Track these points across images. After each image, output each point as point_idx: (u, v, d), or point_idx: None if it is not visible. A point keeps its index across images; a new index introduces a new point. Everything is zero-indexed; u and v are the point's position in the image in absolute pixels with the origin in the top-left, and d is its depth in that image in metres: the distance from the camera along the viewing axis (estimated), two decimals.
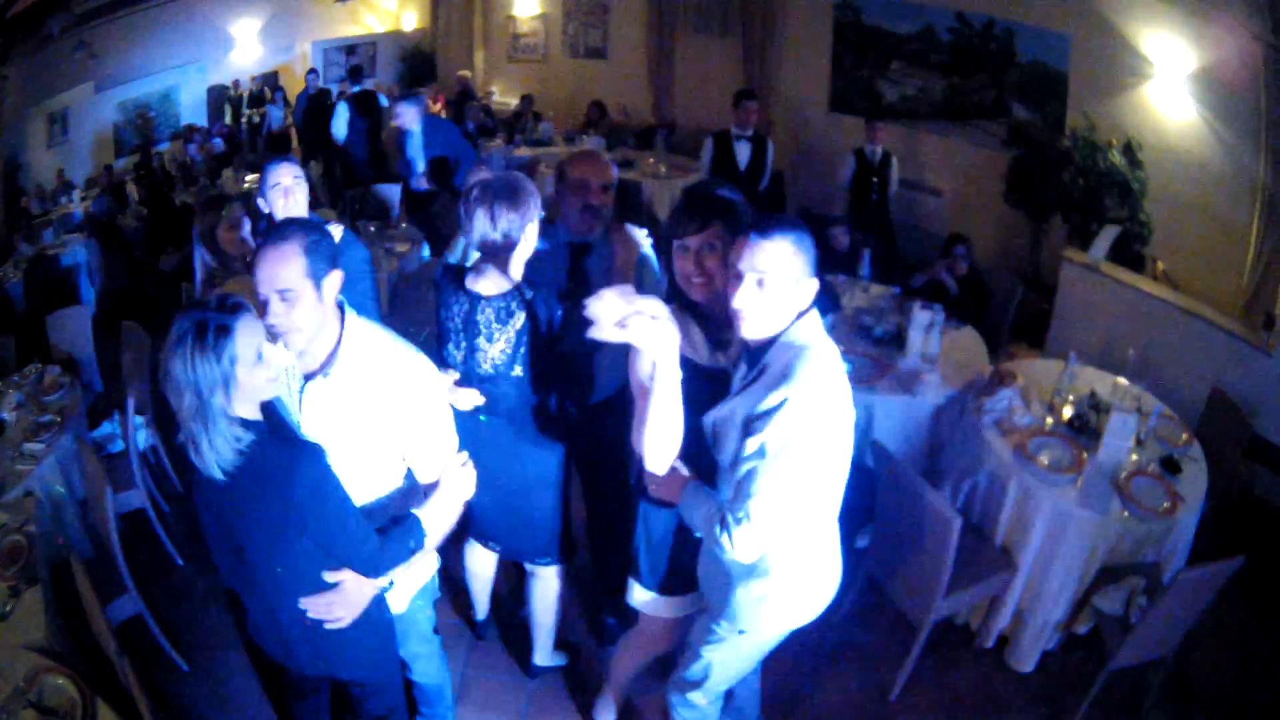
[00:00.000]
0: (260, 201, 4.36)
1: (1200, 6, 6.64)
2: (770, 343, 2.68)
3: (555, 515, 3.90)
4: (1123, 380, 5.00)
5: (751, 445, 2.60)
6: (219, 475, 2.45)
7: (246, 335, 2.43)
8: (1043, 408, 4.88)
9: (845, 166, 8.84)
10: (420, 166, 8.39)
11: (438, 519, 2.91)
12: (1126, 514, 4.12)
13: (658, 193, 10.54)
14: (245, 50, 16.20)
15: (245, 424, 2.48)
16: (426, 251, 8.05)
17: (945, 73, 9.58)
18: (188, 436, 2.44)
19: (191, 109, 15.99)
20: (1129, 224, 7.27)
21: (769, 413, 2.56)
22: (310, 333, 2.71)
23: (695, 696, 3.45)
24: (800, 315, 2.68)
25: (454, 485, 2.97)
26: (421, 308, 6.21)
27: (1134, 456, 4.43)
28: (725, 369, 2.93)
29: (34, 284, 10.58)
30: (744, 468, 2.63)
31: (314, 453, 2.54)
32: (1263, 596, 4.89)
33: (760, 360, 2.69)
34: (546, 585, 4.11)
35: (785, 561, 2.91)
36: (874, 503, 4.48)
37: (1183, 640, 4.11)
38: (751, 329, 2.65)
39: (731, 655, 3.24)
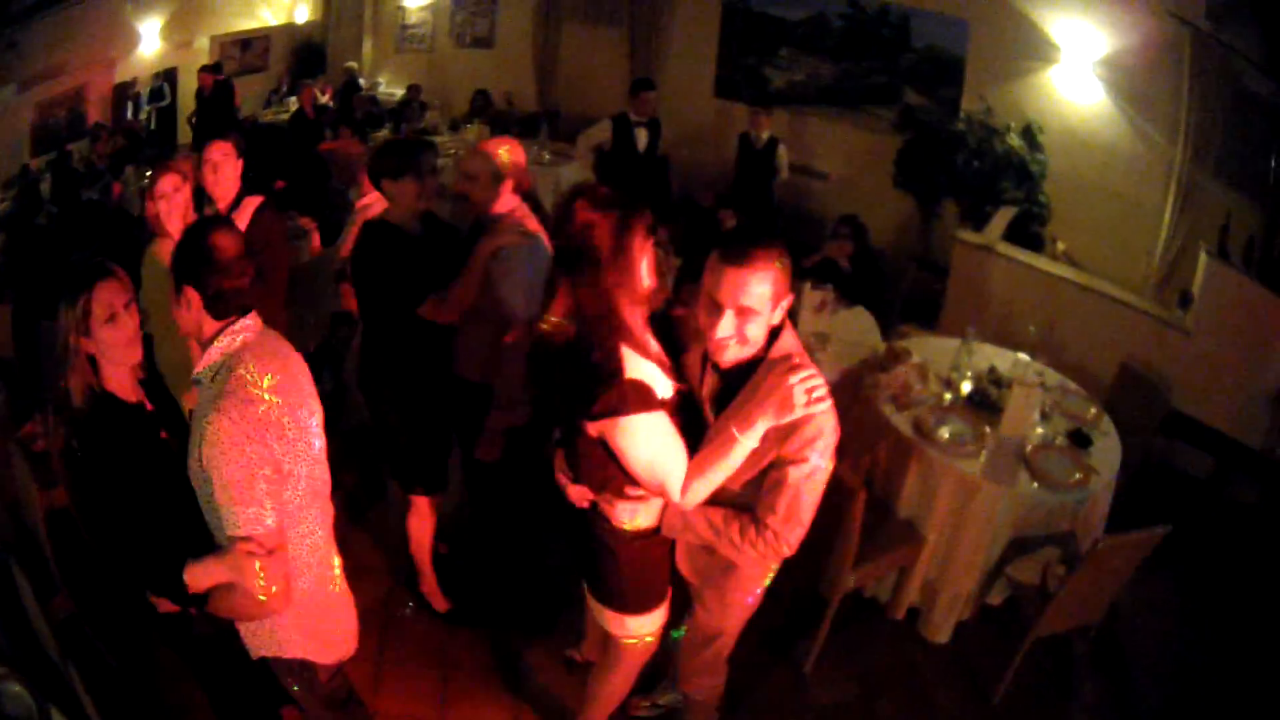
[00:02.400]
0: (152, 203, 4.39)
1: None
2: (754, 362, 2.63)
3: None
4: (1023, 355, 4.95)
5: (796, 465, 2.61)
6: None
7: (103, 293, 2.60)
8: (940, 384, 4.84)
9: (731, 151, 8.77)
10: None
11: (198, 578, 2.62)
12: (1036, 485, 4.12)
13: (541, 178, 9.97)
14: (149, 46, 16.09)
15: (101, 398, 2.67)
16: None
17: (836, 58, 9.49)
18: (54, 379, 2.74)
19: (100, 107, 15.66)
20: (1026, 205, 7.27)
21: (811, 438, 2.59)
22: (188, 332, 2.73)
23: (718, 671, 3.53)
24: (778, 329, 2.65)
25: (238, 568, 2.57)
26: (322, 302, 6.24)
27: (1039, 430, 4.43)
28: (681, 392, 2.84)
29: None
30: (791, 484, 2.64)
31: (93, 459, 2.64)
32: (1190, 567, 4.93)
33: (748, 378, 2.63)
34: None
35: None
36: None
37: (1112, 611, 4.21)
38: (731, 358, 2.60)
39: (746, 615, 3.31)
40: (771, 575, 3.18)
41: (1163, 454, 5.69)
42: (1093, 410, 4.67)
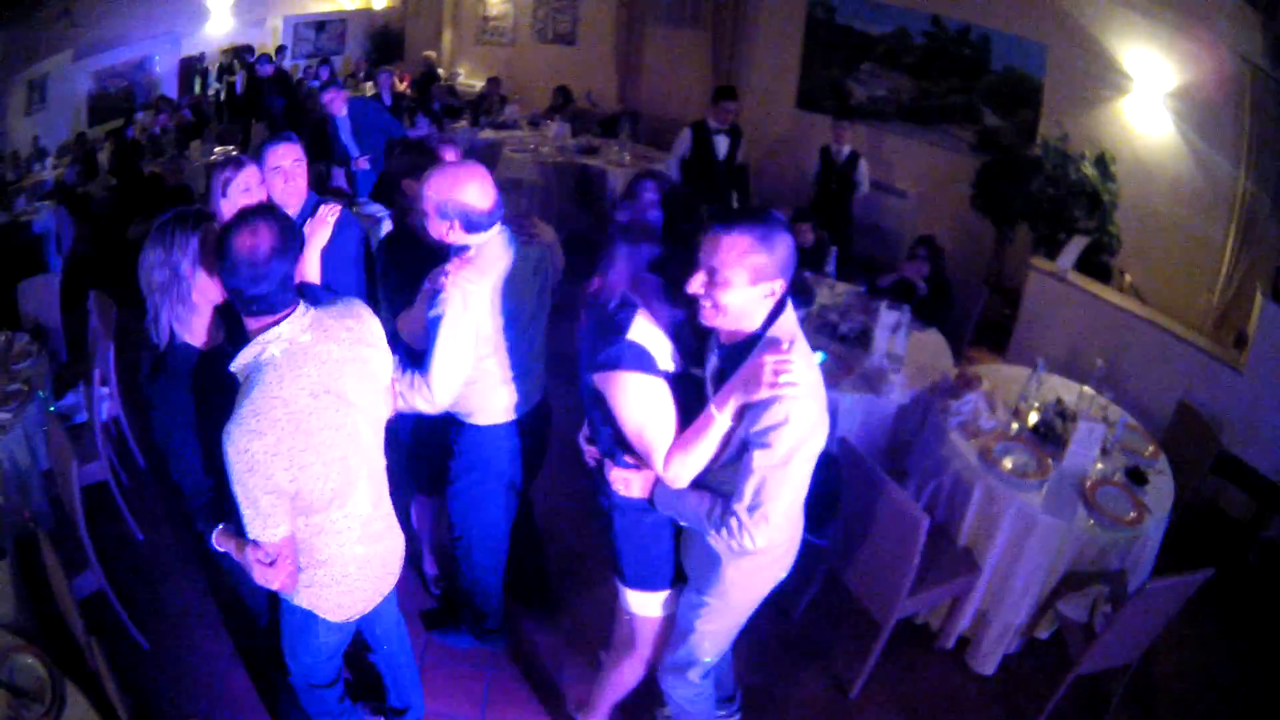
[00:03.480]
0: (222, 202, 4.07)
1: (1185, 23, 6.66)
2: (747, 341, 2.75)
3: None
4: (1089, 389, 4.98)
5: (762, 449, 2.69)
6: (160, 345, 2.84)
7: (209, 235, 2.76)
8: (1008, 413, 4.89)
9: (811, 164, 8.79)
10: (355, 150, 8.63)
11: (221, 543, 2.96)
12: (1091, 522, 4.15)
13: (621, 180, 10.39)
14: (218, 22, 16.15)
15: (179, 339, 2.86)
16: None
17: (916, 75, 9.53)
18: (152, 311, 2.81)
19: (165, 80, 15.95)
20: (1097, 235, 7.29)
21: (776, 423, 2.65)
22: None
23: (693, 674, 3.48)
24: (776, 313, 2.74)
25: (246, 561, 2.83)
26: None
27: (1099, 465, 4.46)
28: (694, 375, 3.00)
29: (3, 250, 10.58)
30: (757, 469, 2.71)
31: (160, 395, 2.87)
32: (1227, 610, 4.94)
33: (742, 358, 2.74)
34: None
35: (772, 537, 2.93)
36: (840, 498, 4.38)
37: (1146, 649, 4.15)
38: (708, 319, 2.73)
39: (722, 625, 3.30)
40: (762, 589, 3.23)
41: (1211, 494, 5.72)
42: (1150, 448, 4.71)
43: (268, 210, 2.66)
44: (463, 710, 4.37)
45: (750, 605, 3.29)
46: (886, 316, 5.40)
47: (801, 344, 2.75)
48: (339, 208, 4.28)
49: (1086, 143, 7.61)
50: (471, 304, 3.51)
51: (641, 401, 2.90)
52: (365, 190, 8.60)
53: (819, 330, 5.86)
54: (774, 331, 2.73)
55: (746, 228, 2.59)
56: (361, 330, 2.92)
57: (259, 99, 14.47)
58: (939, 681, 4.55)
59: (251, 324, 2.67)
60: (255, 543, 2.72)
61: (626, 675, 3.72)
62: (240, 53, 15.89)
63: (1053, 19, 7.87)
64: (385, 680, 3.84)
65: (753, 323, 2.73)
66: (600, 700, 3.93)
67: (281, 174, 4.23)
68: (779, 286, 2.68)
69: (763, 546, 2.87)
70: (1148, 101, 7.18)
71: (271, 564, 2.78)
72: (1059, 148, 7.73)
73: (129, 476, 5.96)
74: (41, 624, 3.87)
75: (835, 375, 5.29)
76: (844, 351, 5.61)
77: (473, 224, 3.53)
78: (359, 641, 3.60)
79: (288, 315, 2.67)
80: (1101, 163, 7.40)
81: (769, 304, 2.71)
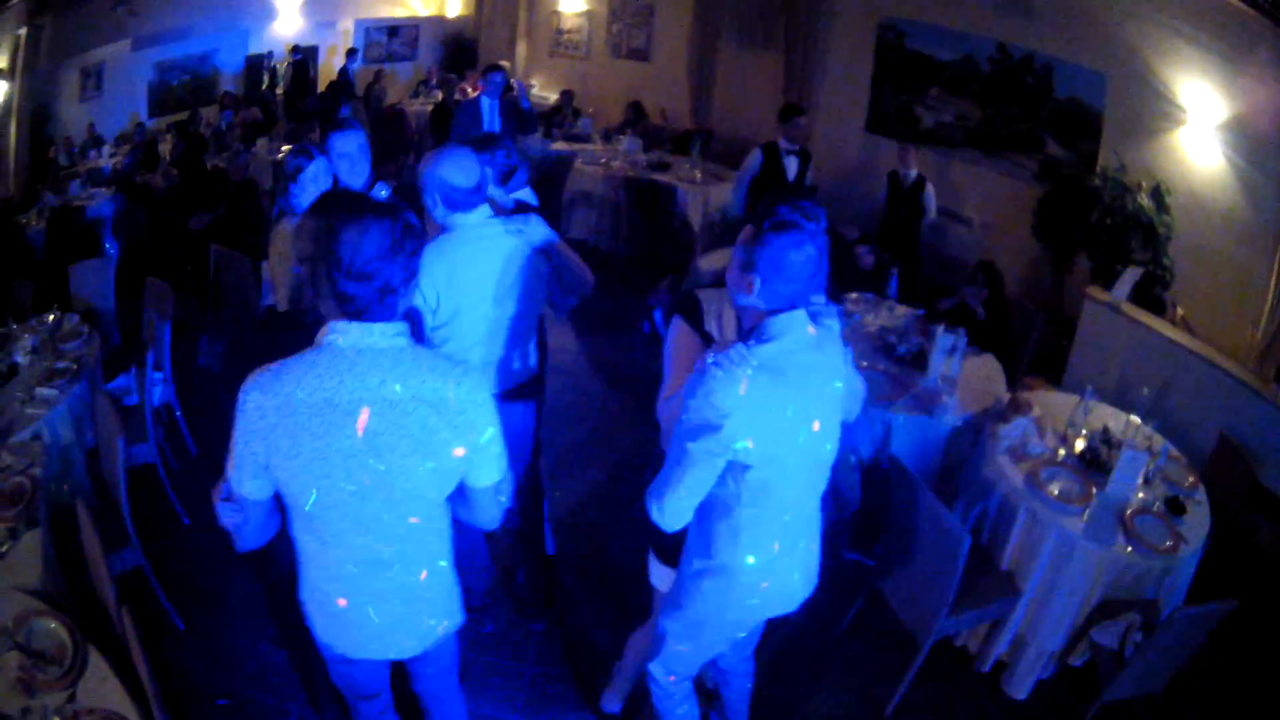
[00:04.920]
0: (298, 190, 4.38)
1: (1236, 55, 6.72)
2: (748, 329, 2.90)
3: None
4: (1135, 418, 5.04)
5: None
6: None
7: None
8: (1056, 438, 4.94)
9: (879, 188, 8.91)
10: None
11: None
12: (1129, 549, 4.17)
13: (692, 198, 10.59)
14: (287, 21, 16.24)
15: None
16: None
17: (982, 102, 9.58)
18: (295, 279, 2.78)
19: (229, 75, 16.05)
20: (1151, 267, 7.29)
21: (689, 389, 2.78)
22: None
23: (655, 667, 3.56)
24: (774, 312, 2.80)
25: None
26: None
27: (1140, 494, 4.47)
28: None
29: (57, 234, 10.71)
30: (666, 434, 2.91)
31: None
32: (1254, 642, 4.96)
33: None
34: None
35: (726, 544, 3.02)
36: (887, 516, 4.57)
37: (1174, 678, 4.22)
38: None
39: (677, 628, 3.36)
40: (722, 612, 3.17)
41: (1246, 527, 5.71)
42: (1190, 478, 4.72)
43: (381, 208, 2.53)
44: (505, 713, 4.43)
45: (713, 627, 3.29)
46: (942, 339, 5.47)
47: (793, 344, 2.81)
48: (394, 185, 4.68)
49: (1143, 174, 7.63)
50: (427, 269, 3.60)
51: (676, 346, 3.26)
52: None
53: (877, 350, 5.95)
54: (768, 327, 2.80)
55: (747, 232, 2.87)
56: (446, 394, 2.56)
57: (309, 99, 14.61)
58: (972, 704, 4.60)
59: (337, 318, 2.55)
60: (225, 476, 2.64)
61: (638, 648, 3.93)
62: (296, 52, 16.10)
63: (1111, 48, 7.92)
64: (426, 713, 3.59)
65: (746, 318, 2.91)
66: (617, 672, 4.18)
67: (348, 160, 4.52)
68: (753, 282, 2.78)
69: (670, 529, 2.95)
70: (1201, 134, 7.19)
71: (226, 500, 2.71)
72: (1117, 178, 7.75)
73: (179, 462, 6.11)
74: (73, 594, 3.95)
75: (890, 395, 5.37)
76: (900, 372, 5.69)
77: (453, 201, 3.80)
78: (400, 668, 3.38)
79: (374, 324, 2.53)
80: (1157, 194, 7.42)
81: (748, 298, 2.83)
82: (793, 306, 2.83)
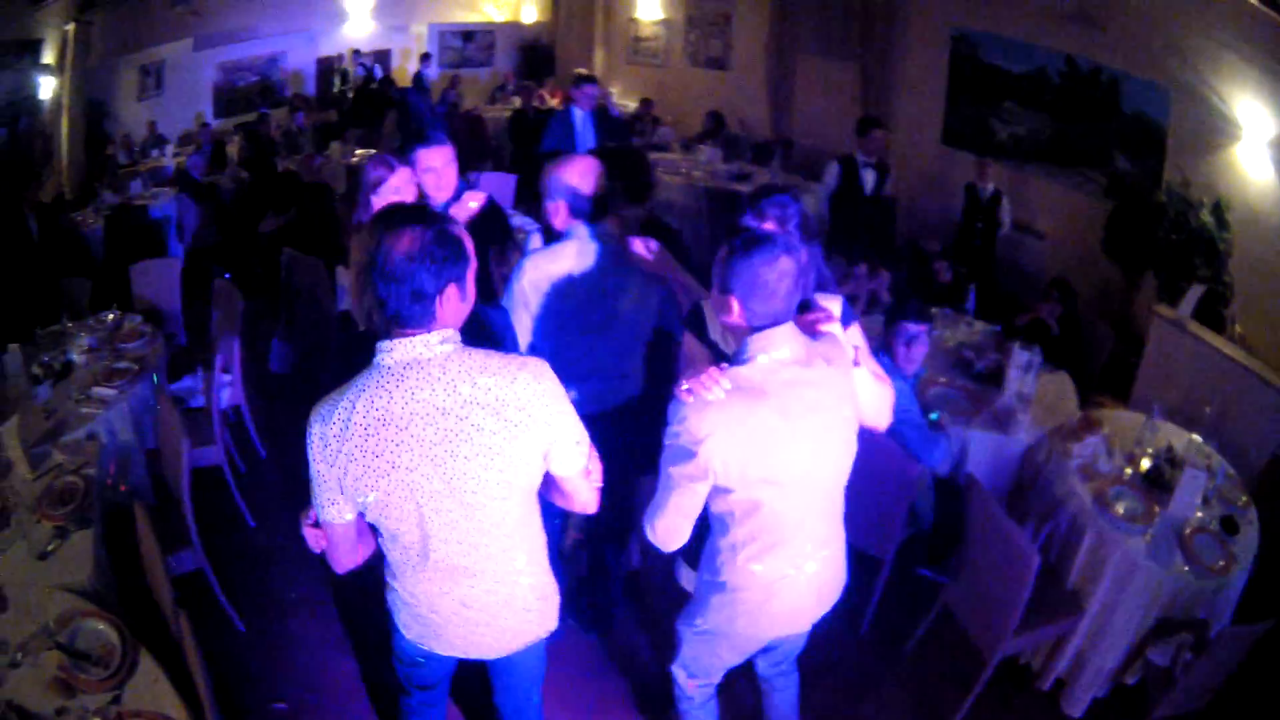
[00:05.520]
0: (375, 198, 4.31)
1: None
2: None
3: None
4: (1197, 437, 5.10)
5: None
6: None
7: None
8: (1123, 457, 4.98)
9: (956, 200, 9.01)
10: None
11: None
12: (1187, 569, 4.23)
13: None
14: (357, 24, 16.40)
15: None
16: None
17: (1054, 115, 9.52)
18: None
19: (297, 77, 16.32)
20: (1213, 284, 7.22)
21: (670, 420, 2.81)
22: None
23: (675, 669, 3.58)
24: (757, 330, 2.82)
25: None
26: None
27: (1199, 513, 4.51)
28: None
29: (117, 232, 10.78)
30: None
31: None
32: None
33: None
34: None
35: (727, 561, 3.05)
36: (962, 534, 4.60)
37: (1219, 697, 4.26)
38: None
39: (690, 634, 3.40)
40: (731, 630, 3.21)
41: None
42: (1244, 497, 4.74)
43: (419, 214, 2.53)
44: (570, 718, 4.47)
45: (721, 638, 3.31)
46: (1019, 356, 5.50)
47: (775, 364, 2.82)
48: (483, 195, 4.74)
49: (1206, 190, 7.56)
50: (528, 279, 3.79)
51: None
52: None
53: (954, 367, 6.07)
54: (750, 344, 2.84)
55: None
56: (502, 393, 2.55)
57: (375, 105, 14.57)
58: None
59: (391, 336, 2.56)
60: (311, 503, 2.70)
61: None
62: (359, 58, 16.09)
63: (1172, 62, 7.88)
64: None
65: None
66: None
67: (434, 175, 4.54)
68: (729, 304, 2.81)
69: (667, 549, 2.99)
70: (1256, 150, 7.18)
71: (314, 526, 2.76)
72: (1180, 194, 7.69)
73: (247, 465, 6.18)
74: (127, 594, 3.99)
75: (966, 412, 5.49)
76: (977, 389, 5.78)
77: (576, 209, 3.86)
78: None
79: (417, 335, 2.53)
80: (1218, 211, 7.36)
81: (730, 319, 2.86)
82: (776, 322, 2.81)
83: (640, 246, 3.90)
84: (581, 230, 3.92)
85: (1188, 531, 4.40)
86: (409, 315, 2.48)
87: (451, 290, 2.51)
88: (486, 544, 2.73)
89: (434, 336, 2.52)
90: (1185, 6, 7.61)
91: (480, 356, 2.57)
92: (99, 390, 5.49)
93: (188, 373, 6.47)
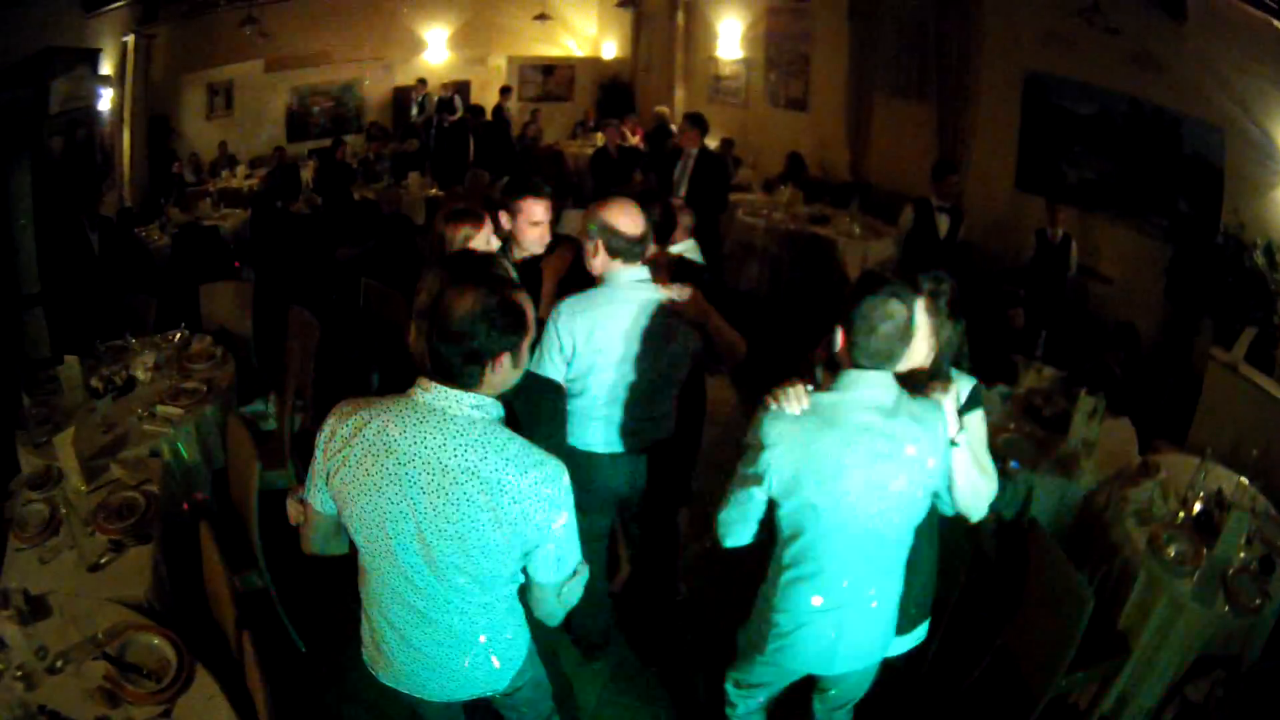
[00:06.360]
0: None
1: None
2: None
3: None
4: (1244, 480, 5.13)
5: None
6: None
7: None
8: (1178, 501, 5.01)
9: (1026, 246, 9.14)
10: None
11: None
12: (1227, 609, 4.25)
13: (850, 252, 11.01)
14: (435, 53, 16.81)
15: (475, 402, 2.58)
16: None
17: (1118, 159, 9.45)
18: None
19: (373, 105, 16.61)
20: (1265, 326, 7.14)
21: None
22: None
23: (728, 673, 3.72)
24: (855, 365, 2.99)
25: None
26: None
27: (1241, 554, 4.48)
28: None
29: (185, 251, 11.01)
30: None
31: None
32: None
33: None
34: None
35: (778, 578, 3.21)
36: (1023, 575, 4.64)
37: None
38: None
39: (741, 643, 3.55)
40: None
41: None
42: None
43: (487, 273, 2.55)
44: None
45: (757, 654, 3.42)
46: (1084, 402, 5.62)
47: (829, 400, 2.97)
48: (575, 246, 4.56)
49: (1260, 231, 7.50)
50: (563, 322, 3.84)
51: None
52: None
53: (1024, 413, 6.21)
54: (842, 381, 2.97)
55: None
56: (505, 481, 2.54)
57: (457, 137, 14.75)
58: None
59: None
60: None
61: None
62: (422, 82, 16.23)
63: (1226, 103, 7.84)
64: None
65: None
66: None
67: (540, 229, 4.58)
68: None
69: (724, 544, 3.18)
70: None
71: (301, 500, 2.87)
72: (1236, 236, 7.67)
73: None
74: (187, 611, 4.00)
75: (1034, 459, 5.61)
76: (1044, 435, 5.91)
77: (614, 248, 3.87)
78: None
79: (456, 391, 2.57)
80: (1269, 251, 7.29)
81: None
82: (877, 366, 2.89)
83: (676, 292, 3.96)
84: (620, 274, 3.97)
85: (1230, 572, 4.41)
86: (458, 372, 2.51)
87: (504, 358, 2.54)
88: (448, 599, 2.74)
89: (470, 398, 2.54)
90: (1235, 45, 7.62)
91: (503, 437, 2.56)
92: (163, 409, 5.49)
93: (258, 397, 6.54)
